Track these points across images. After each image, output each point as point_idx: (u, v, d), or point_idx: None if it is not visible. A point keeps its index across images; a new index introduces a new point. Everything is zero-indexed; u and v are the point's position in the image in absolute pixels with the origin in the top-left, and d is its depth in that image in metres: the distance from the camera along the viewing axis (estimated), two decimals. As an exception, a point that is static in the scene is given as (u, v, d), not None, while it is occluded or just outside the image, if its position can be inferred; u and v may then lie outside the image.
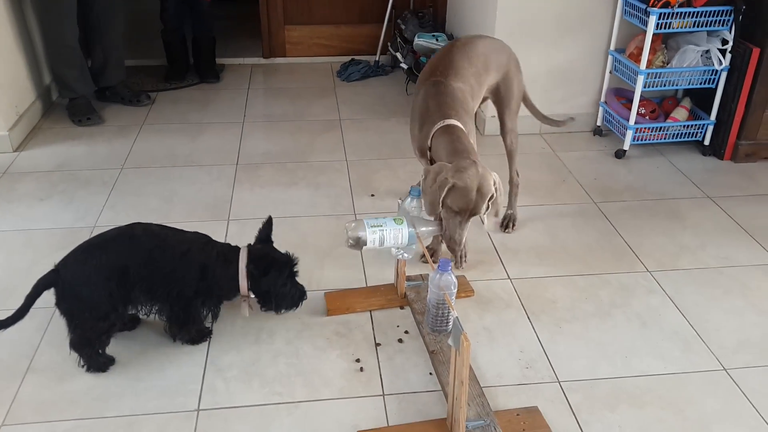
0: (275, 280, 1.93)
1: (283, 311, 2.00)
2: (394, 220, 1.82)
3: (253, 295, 1.95)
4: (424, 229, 1.86)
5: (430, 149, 1.98)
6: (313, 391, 1.86)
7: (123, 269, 1.82)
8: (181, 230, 1.97)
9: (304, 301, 2.01)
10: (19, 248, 2.44)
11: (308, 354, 1.98)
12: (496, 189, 1.86)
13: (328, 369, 1.93)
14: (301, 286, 2.00)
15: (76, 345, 1.86)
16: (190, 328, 1.96)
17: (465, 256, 2.34)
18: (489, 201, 1.86)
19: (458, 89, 2.10)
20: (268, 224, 2.01)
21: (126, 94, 3.69)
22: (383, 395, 1.85)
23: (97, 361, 1.89)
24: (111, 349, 1.95)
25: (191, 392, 1.84)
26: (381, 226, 1.79)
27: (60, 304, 1.83)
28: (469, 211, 1.84)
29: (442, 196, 1.81)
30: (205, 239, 1.97)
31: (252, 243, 1.99)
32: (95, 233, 2.11)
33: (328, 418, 1.77)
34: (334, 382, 1.88)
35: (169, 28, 3.98)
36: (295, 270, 1.98)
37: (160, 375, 1.89)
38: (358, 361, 1.96)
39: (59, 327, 2.04)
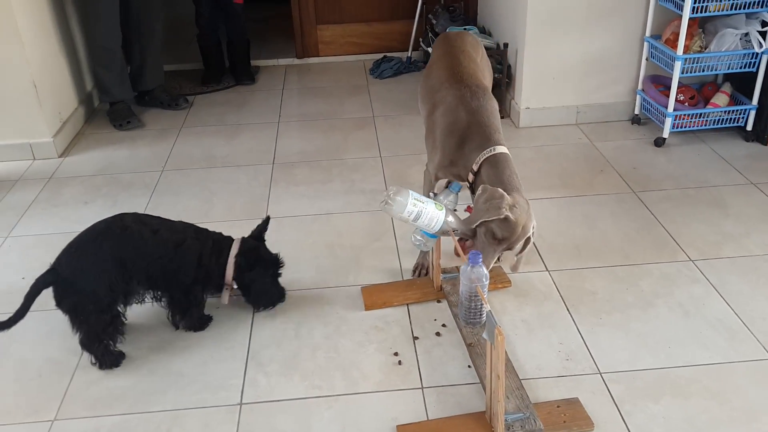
0: (259, 277, 2.02)
1: (261, 309, 2.10)
2: (435, 204, 1.82)
3: (236, 286, 2.03)
4: (451, 219, 1.85)
5: (475, 173, 1.91)
6: (352, 384, 1.87)
7: (120, 261, 1.87)
8: (168, 219, 2.04)
9: (281, 303, 2.10)
10: (66, 250, 2.51)
11: (347, 348, 2.00)
12: (533, 234, 1.86)
13: (366, 363, 1.94)
14: (282, 288, 2.10)
15: (85, 343, 1.91)
16: (192, 313, 2.02)
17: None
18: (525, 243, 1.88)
19: (493, 101, 2.05)
20: (264, 223, 2.10)
21: (164, 99, 3.77)
22: (422, 388, 1.85)
23: (107, 357, 1.93)
24: (153, 343, 2.01)
25: (233, 386, 1.88)
26: (423, 203, 1.78)
27: (62, 302, 1.86)
28: (508, 244, 1.82)
29: (489, 219, 1.77)
30: (195, 227, 2.04)
31: (246, 236, 2.07)
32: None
33: (367, 411, 1.79)
34: (373, 375, 1.90)
35: (204, 33, 4.05)
36: (279, 272, 2.08)
37: (202, 370, 1.94)
38: (396, 354, 1.97)
39: (105, 325, 2.12)
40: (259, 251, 2.05)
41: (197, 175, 3.04)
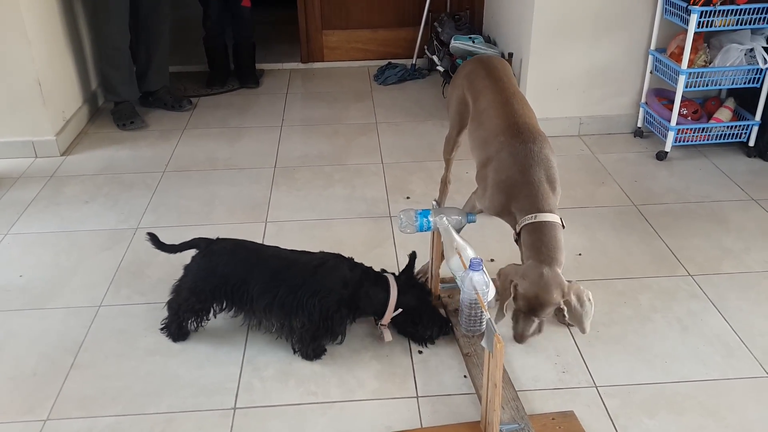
0: (422, 295, 1.97)
1: (428, 338, 2.00)
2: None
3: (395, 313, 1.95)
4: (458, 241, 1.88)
5: (518, 234, 1.91)
6: (347, 391, 1.87)
7: (242, 281, 1.92)
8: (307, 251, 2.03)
9: (450, 331, 2.02)
10: (65, 248, 2.52)
11: (343, 355, 1.99)
12: (566, 302, 1.82)
13: (362, 370, 1.94)
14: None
15: (169, 303, 2.01)
16: (324, 341, 1.96)
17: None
18: (549, 312, 1.85)
19: (549, 152, 1.96)
20: (411, 261, 2.03)
21: (168, 100, 3.78)
22: (417, 397, 1.85)
23: (175, 329, 2.02)
24: (150, 345, 2.02)
25: (228, 390, 1.87)
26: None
27: (191, 262, 1.99)
28: (531, 313, 1.85)
29: (509, 298, 1.83)
30: (336, 254, 2.01)
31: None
32: (138, 235, 2.18)
33: (361, 419, 1.78)
34: (368, 383, 1.89)
35: (210, 35, 4.06)
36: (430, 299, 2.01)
37: (198, 373, 1.93)
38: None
39: (103, 326, 2.12)
40: (414, 278, 2.01)
41: (199, 177, 3.05)
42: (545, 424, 1.73)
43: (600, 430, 1.74)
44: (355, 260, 2.01)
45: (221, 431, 1.75)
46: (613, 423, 1.76)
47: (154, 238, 2.03)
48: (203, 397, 1.85)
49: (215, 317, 2.02)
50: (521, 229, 1.87)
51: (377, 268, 2.00)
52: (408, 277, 2.00)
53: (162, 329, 2.05)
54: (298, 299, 1.88)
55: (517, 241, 1.93)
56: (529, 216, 1.85)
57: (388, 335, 1.98)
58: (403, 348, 2.02)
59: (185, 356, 1.99)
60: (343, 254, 2.01)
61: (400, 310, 1.94)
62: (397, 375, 1.92)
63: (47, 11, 3.22)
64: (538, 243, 1.83)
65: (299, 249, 2.04)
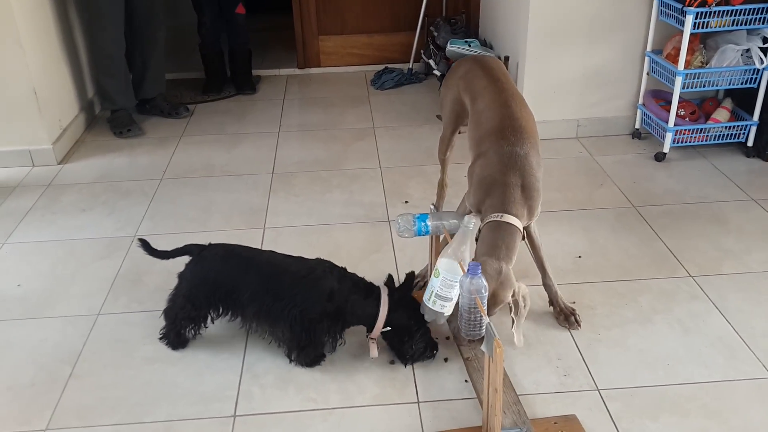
0: (414, 315, 1.91)
1: (414, 356, 1.94)
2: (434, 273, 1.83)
3: (383, 330, 1.92)
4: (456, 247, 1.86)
5: (480, 230, 1.93)
6: (347, 397, 1.86)
7: (232, 288, 1.92)
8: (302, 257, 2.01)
9: (434, 357, 1.97)
10: (62, 257, 2.51)
11: (343, 361, 1.98)
12: (515, 301, 1.83)
13: (362, 376, 1.93)
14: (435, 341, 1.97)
15: (166, 311, 2.00)
16: (309, 351, 1.94)
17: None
18: (500, 308, 1.84)
19: (535, 158, 1.96)
20: (409, 280, 1.98)
21: (165, 107, 3.77)
22: (418, 402, 1.84)
23: (173, 337, 2.01)
24: (148, 353, 2.01)
25: (228, 398, 1.86)
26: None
27: (185, 269, 1.98)
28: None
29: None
30: (331, 263, 1.98)
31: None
32: (135, 243, 2.16)
33: (362, 425, 1.77)
34: (369, 389, 1.88)
35: (206, 42, 4.06)
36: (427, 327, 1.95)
37: (197, 381, 1.92)
38: (392, 362, 1.97)
39: (101, 335, 2.11)
40: (411, 296, 1.96)
41: (196, 184, 3.04)
42: (547, 429, 1.72)
43: (602, 433, 1.73)
44: (348, 270, 1.97)
45: (221, 439, 1.74)
46: (615, 426, 1.75)
47: (145, 244, 2.03)
48: (202, 405, 1.84)
49: (213, 323, 2.01)
50: (485, 225, 1.89)
51: (374, 273, 1.99)
52: (402, 295, 1.95)
53: (161, 338, 2.03)
54: (282, 309, 1.88)
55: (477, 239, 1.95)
56: (496, 214, 1.88)
57: (374, 351, 1.95)
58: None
59: (184, 364, 1.98)
60: (335, 263, 1.98)
61: (389, 328, 1.91)
62: (397, 380, 1.91)
63: (42, 20, 3.22)
64: (498, 241, 1.85)
65: (296, 254, 2.02)
